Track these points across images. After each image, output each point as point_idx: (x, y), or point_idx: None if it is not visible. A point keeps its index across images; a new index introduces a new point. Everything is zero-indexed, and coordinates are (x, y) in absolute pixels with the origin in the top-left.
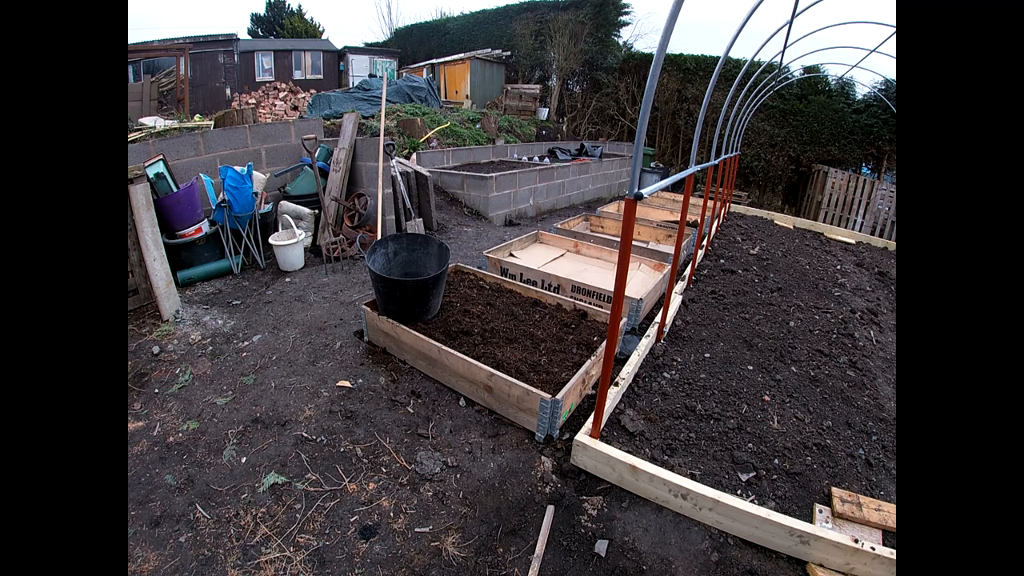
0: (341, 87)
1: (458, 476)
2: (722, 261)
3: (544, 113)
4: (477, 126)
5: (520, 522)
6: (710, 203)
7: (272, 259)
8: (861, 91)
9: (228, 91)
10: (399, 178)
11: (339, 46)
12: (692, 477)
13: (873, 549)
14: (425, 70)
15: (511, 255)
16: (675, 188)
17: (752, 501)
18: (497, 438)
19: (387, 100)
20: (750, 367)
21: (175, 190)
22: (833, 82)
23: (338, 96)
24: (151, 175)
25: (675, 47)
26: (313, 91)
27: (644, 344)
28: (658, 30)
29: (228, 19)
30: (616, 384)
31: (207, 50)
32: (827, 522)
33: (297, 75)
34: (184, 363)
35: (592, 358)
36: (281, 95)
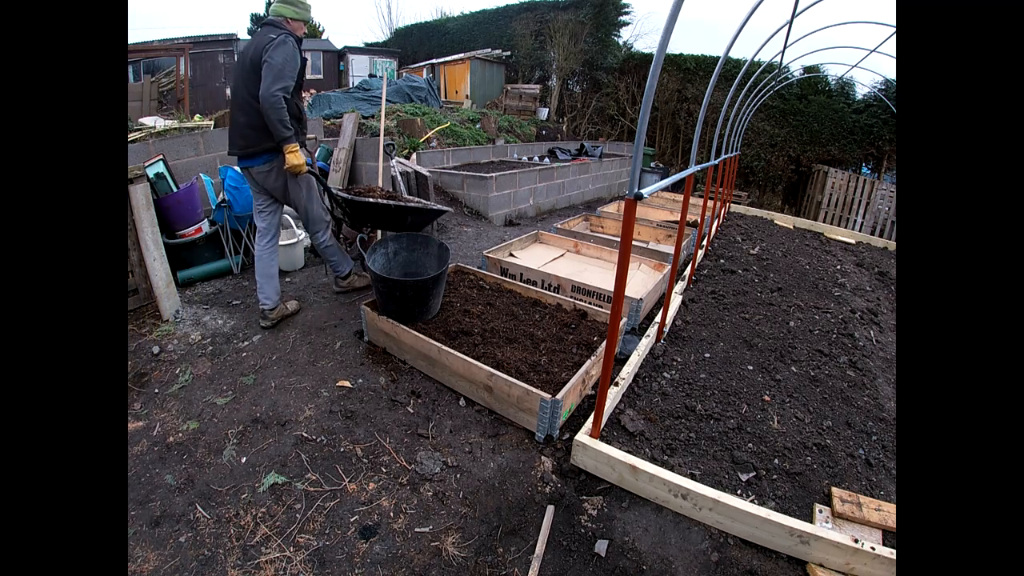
0: (341, 87)
1: (458, 476)
2: (722, 261)
3: (544, 113)
4: (477, 126)
5: (520, 522)
6: (710, 203)
7: None
8: (861, 91)
9: (228, 91)
10: (399, 178)
11: (339, 46)
12: (692, 477)
13: (873, 549)
14: (425, 70)
15: (511, 255)
16: (675, 188)
17: (752, 501)
18: (497, 438)
19: (387, 100)
20: (750, 367)
21: (175, 190)
22: (833, 82)
23: (338, 96)
24: (151, 175)
25: (675, 47)
26: (313, 91)
27: (644, 344)
28: (658, 30)
29: (228, 19)
30: (616, 384)
31: (207, 50)
32: (827, 522)
33: None
34: (184, 363)
35: (592, 358)
36: None
